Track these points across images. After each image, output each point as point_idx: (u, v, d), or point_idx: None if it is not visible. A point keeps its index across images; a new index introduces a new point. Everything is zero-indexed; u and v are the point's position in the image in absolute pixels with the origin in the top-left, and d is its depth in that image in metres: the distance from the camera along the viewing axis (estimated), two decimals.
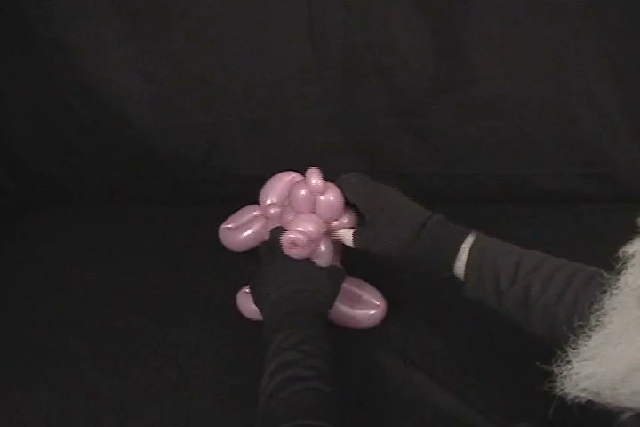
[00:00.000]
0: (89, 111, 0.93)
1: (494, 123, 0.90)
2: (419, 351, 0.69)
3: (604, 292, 0.44)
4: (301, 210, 0.69)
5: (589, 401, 0.43)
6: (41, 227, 0.98)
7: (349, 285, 0.72)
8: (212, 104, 0.91)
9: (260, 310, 0.66)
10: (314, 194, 0.67)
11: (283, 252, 0.66)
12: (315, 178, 0.67)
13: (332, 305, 0.67)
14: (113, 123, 0.93)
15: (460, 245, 0.61)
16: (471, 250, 0.60)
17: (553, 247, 0.84)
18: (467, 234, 0.62)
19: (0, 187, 1.02)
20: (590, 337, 0.43)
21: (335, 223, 0.69)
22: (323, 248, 0.69)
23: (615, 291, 0.43)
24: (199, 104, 0.91)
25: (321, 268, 0.68)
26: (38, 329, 0.76)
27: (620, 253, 0.43)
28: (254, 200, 0.95)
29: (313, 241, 0.66)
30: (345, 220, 0.69)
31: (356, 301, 0.72)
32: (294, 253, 0.66)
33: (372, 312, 0.72)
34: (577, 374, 0.42)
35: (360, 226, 0.68)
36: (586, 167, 0.93)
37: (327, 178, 0.68)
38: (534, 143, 0.91)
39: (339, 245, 0.71)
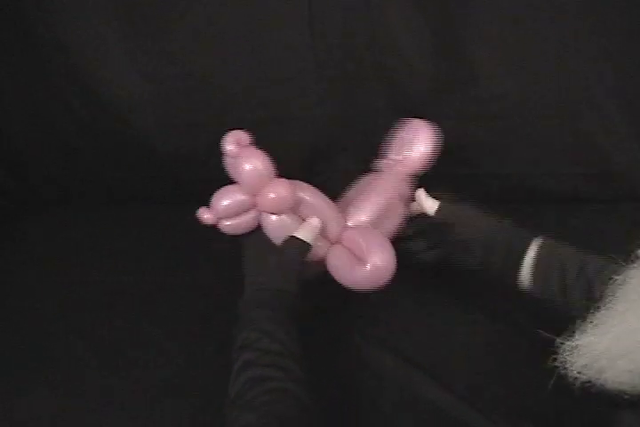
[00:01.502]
0: (89, 111, 0.93)
1: (494, 123, 0.89)
2: (419, 351, 0.69)
3: (617, 273, 0.45)
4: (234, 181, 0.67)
5: (589, 384, 0.43)
6: (41, 227, 0.98)
7: (358, 234, 0.67)
8: (212, 104, 0.91)
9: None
10: (238, 159, 0.65)
11: (252, 246, 0.68)
12: (229, 144, 0.65)
13: (290, 288, 0.63)
14: (113, 123, 0.93)
15: (531, 240, 0.63)
16: (540, 249, 0.62)
17: None
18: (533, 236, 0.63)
19: (0, 187, 1.02)
20: (597, 313, 0.45)
21: (265, 193, 0.65)
22: (272, 218, 0.67)
23: (627, 275, 0.44)
24: (199, 104, 0.91)
25: (270, 252, 0.66)
26: (38, 329, 0.76)
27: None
28: None
29: (232, 216, 0.66)
30: (270, 193, 0.65)
31: (357, 254, 0.66)
32: (221, 228, 0.68)
33: (364, 268, 0.64)
34: (580, 346, 0.43)
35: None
36: (586, 167, 0.93)
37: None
38: (534, 143, 0.91)
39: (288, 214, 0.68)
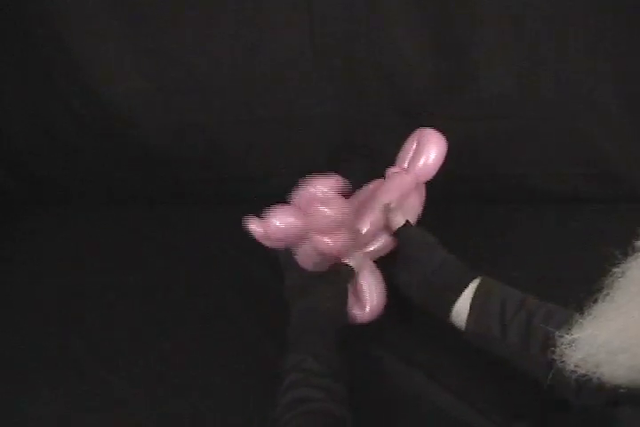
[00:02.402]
0: (89, 111, 0.93)
1: (494, 123, 0.89)
2: (419, 351, 0.69)
3: (615, 266, 0.45)
4: (299, 204, 0.66)
5: (587, 379, 0.43)
6: (41, 227, 0.98)
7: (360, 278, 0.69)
8: (212, 104, 0.91)
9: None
10: (319, 198, 0.64)
11: (287, 269, 0.67)
12: (328, 185, 0.64)
13: (341, 311, 0.64)
14: (113, 123, 0.93)
15: (467, 284, 0.61)
16: (478, 287, 0.60)
17: (553, 247, 0.85)
18: (473, 277, 0.61)
19: (0, 187, 1.02)
20: (595, 307, 0.45)
21: (322, 236, 0.64)
22: (305, 247, 0.65)
23: (625, 267, 0.44)
24: (199, 104, 0.91)
25: (321, 276, 0.65)
26: (38, 329, 0.76)
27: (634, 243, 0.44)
28: (253, 200, 0.95)
29: (277, 239, 0.63)
30: (329, 240, 0.64)
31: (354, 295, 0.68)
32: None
33: (357, 312, 0.67)
34: (578, 339, 0.43)
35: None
36: (586, 167, 0.92)
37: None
38: (534, 143, 0.91)
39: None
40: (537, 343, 0.53)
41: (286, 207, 0.65)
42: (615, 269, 0.44)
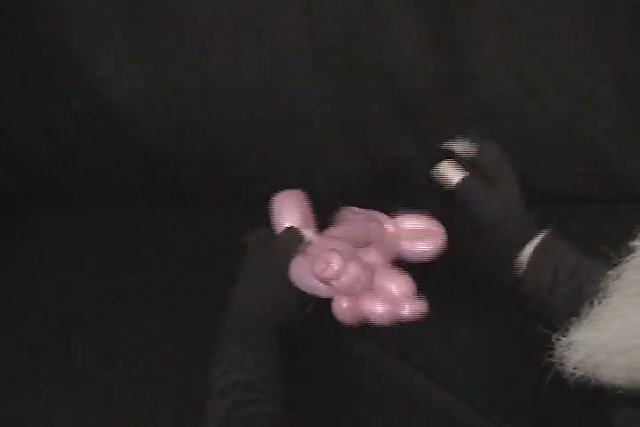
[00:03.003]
0: (89, 111, 0.93)
1: (494, 123, 0.89)
2: (418, 351, 0.69)
3: (612, 267, 0.45)
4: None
5: (585, 380, 0.43)
6: (41, 227, 0.98)
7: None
8: (212, 104, 0.91)
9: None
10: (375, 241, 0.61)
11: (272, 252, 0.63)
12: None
13: (293, 324, 0.61)
14: (113, 123, 0.93)
15: (531, 237, 0.62)
16: (537, 246, 0.61)
17: None
18: (538, 230, 0.62)
19: (0, 187, 1.02)
20: (592, 309, 0.45)
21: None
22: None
23: (621, 269, 0.44)
24: (199, 104, 0.91)
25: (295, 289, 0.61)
26: (38, 329, 0.76)
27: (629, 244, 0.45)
28: (253, 200, 0.94)
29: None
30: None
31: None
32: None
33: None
34: (576, 342, 0.44)
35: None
36: (586, 167, 0.92)
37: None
38: (534, 143, 0.91)
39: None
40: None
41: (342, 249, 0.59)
42: (610, 272, 0.45)
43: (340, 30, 0.83)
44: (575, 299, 0.54)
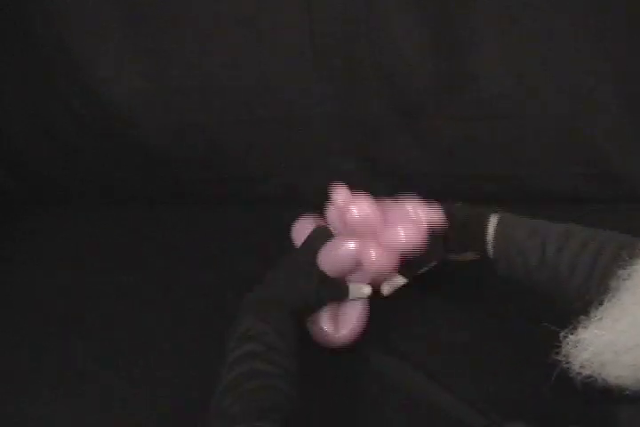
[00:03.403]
0: (89, 111, 0.93)
1: (494, 123, 0.89)
2: (418, 351, 0.69)
3: (621, 267, 0.45)
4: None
5: (592, 380, 0.43)
6: (41, 227, 0.98)
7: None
8: (212, 104, 0.91)
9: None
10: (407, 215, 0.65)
11: (302, 252, 0.67)
12: (338, 195, 0.64)
13: (312, 311, 0.65)
14: (113, 123, 0.93)
15: (485, 231, 0.63)
16: (495, 236, 0.62)
17: None
18: (487, 218, 0.64)
19: (0, 187, 1.02)
20: (601, 308, 0.45)
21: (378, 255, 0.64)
22: (352, 245, 0.65)
23: (631, 269, 0.44)
24: (199, 104, 0.91)
25: (325, 278, 0.66)
26: (38, 329, 0.76)
27: None
28: (253, 200, 0.95)
29: (347, 216, 0.63)
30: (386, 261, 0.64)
31: (331, 315, 0.68)
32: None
33: (328, 331, 0.67)
34: (584, 340, 0.44)
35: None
36: (586, 167, 0.92)
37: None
38: (534, 143, 0.91)
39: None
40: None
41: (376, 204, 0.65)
42: (621, 271, 0.44)
43: (340, 30, 0.83)
44: (556, 280, 0.57)
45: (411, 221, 0.65)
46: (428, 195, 0.80)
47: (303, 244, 0.69)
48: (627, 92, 0.86)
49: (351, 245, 0.64)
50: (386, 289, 0.69)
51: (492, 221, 0.63)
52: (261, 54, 0.86)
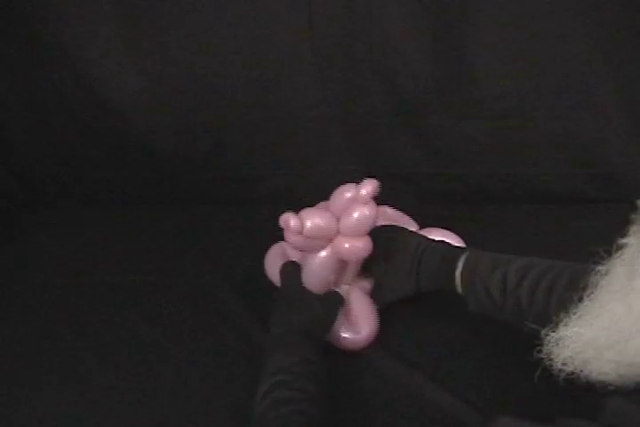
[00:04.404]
0: (89, 111, 0.93)
1: (494, 123, 0.89)
2: (418, 352, 0.69)
3: (599, 264, 0.45)
4: (333, 209, 0.68)
5: (575, 376, 0.43)
6: (41, 227, 0.98)
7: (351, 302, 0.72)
8: (212, 104, 0.91)
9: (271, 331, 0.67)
10: (354, 201, 0.66)
11: (288, 286, 0.69)
12: (366, 189, 0.65)
13: (328, 330, 0.67)
14: (113, 123, 0.93)
15: (453, 273, 0.65)
16: (462, 275, 0.64)
17: (553, 247, 0.85)
18: (456, 260, 0.65)
19: (0, 187, 1.02)
20: (580, 305, 0.45)
21: (346, 240, 0.67)
22: (323, 254, 0.69)
23: (609, 265, 0.44)
24: (199, 104, 0.91)
25: (320, 297, 0.69)
26: (38, 329, 0.76)
27: (618, 241, 0.45)
28: (253, 200, 0.95)
29: (308, 237, 0.66)
30: (358, 242, 0.67)
31: (346, 321, 0.70)
32: (286, 236, 0.67)
33: (350, 337, 0.69)
34: (564, 337, 0.44)
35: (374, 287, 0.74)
36: (586, 167, 0.92)
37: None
38: (534, 143, 0.91)
39: (342, 263, 0.71)
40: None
41: (322, 210, 0.68)
42: (599, 268, 0.45)
43: (340, 30, 0.83)
44: (518, 312, 0.58)
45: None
46: (428, 195, 0.80)
47: (282, 280, 0.71)
48: (627, 92, 0.86)
49: (322, 253, 0.68)
50: None
51: (462, 260, 0.65)
52: (261, 54, 0.86)
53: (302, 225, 0.64)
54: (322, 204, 0.74)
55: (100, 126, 0.94)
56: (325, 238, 0.68)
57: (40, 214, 1.01)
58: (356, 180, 0.75)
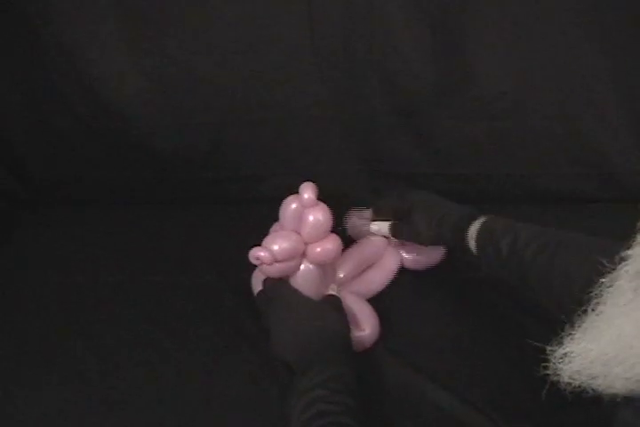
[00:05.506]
0: (89, 111, 0.93)
1: (494, 123, 0.89)
2: (418, 352, 0.69)
3: (601, 275, 0.44)
4: (287, 225, 0.69)
5: (583, 390, 0.43)
6: (41, 227, 0.98)
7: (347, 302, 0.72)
8: (212, 104, 0.91)
9: (285, 357, 0.65)
10: (303, 208, 0.68)
11: (279, 298, 0.68)
12: (308, 192, 0.67)
13: (348, 335, 0.66)
14: (113, 122, 0.93)
15: (468, 229, 0.67)
16: (478, 231, 0.66)
17: None
18: (476, 217, 0.68)
19: (0, 187, 1.02)
20: (585, 318, 0.44)
21: (316, 245, 0.68)
22: (302, 267, 0.69)
23: (614, 277, 0.44)
24: (199, 104, 0.91)
25: (322, 301, 0.69)
26: (38, 329, 0.76)
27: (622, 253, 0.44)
28: (253, 200, 0.95)
29: (284, 260, 0.67)
30: (327, 244, 0.69)
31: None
32: (264, 270, 0.68)
33: (355, 335, 0.69)
34: (571, 353, 0.43)
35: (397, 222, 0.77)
36: (586, 167, 0.92)
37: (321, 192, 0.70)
38: (534, 143, 0.91)
39: (324, 268, 0.71)
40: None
41: (279, 232, 0.70)
42: (603, 280, 0.44)
43: (340, 30, 0.83)
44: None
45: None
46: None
47: (275, 296, 0.70)
48: (627, 92, 0.86)
49: (301, 268, 0.70)
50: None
51: (481, 219, 0.67)
52: (261, 54, 0.86)
53: (272, 254, 0.65)
54: (274, 226, 0.75)
55: (100, 126, 0.94)
56: (298, 256, 0.68)
57: (40, 214, 1.01)
58: (356, 180, 0.76)
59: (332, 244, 0.69)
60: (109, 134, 0.95)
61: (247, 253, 0.84)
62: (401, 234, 0.76)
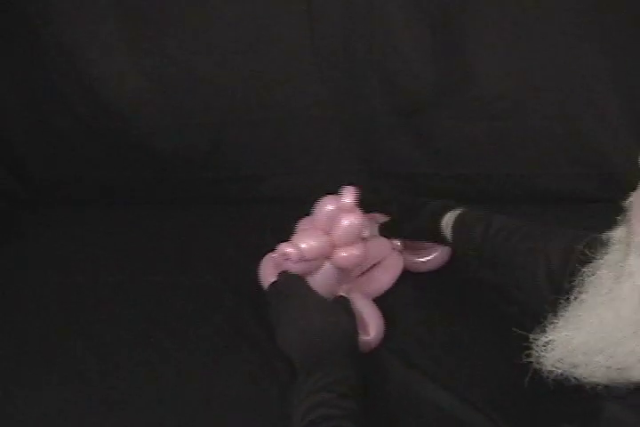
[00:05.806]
0: (89, 111, 0.93)
1: (494, 123, 0.89)
2: (419, 352, 0.69)
3: (584, 264, 0.45)
4: (319, 225, 0.68)
5: (565, 378, 0.43)
6: (41, 227, 0.98)
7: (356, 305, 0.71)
8: (212, 104, 0.91)
9: (290, 353, 0.64)
10: (339, 212, 0.67)
11: (293, 294, 0.67)
12: (349, 197, 0.66)
13: (356, 337, 0.66)
14: (113, 122, 0.93)
15: (443, 217, 0.70)
16: (456, 219, 0.69)
17: None
18: (453, 208, 0.70)
19: (0, 187, 1.02)
20: (567, 308, 0.45)
21: (343, 249, 0.68)
22: (325, 267, 0.69)
23: (595, 266, 0.44)
24: (199, 104, 0.91)
25: (334, 302, 0.68)
26: (38, 329, 0.76)
27: (603, 236, 0.45)
28: (253, 200, 0.95)
29: (310, 259, 0.66)
30: (354, 250, 0.68)
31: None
32: (286, 266, 0.67)
33: (362, 338, 0.69)
34: (553, 341, 0.43)
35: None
36: (586, 167, 0.92)
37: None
38: (534, 143, 0.91)
39: (344, 271, 0.71)
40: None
41: (310, 229, 0.69)
42: (585, 269, 0.44)
43: (340, 30, 0.83)
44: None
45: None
46: (428, 195, 0.80)
47: (288, 292, 0.68)
48: (627, 92, 0.86)
49: (323, 267, 0.69)
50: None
51: (459, 209, 0.70)
52: (261, 54, 0.86)
53: (300, 251, 0.65)
54: (304, 220, 0.75)
55: (100, 126, 0.94)
56: (324, 256, 0.68)
57: (40, 214, 1.01)
58: (356, 180, 0.76)
59: (358, 250, 0.68)
60: (109, 134, 0.95)
61: (247, 253, 0.84)
62: (387, 231, 0.79)
